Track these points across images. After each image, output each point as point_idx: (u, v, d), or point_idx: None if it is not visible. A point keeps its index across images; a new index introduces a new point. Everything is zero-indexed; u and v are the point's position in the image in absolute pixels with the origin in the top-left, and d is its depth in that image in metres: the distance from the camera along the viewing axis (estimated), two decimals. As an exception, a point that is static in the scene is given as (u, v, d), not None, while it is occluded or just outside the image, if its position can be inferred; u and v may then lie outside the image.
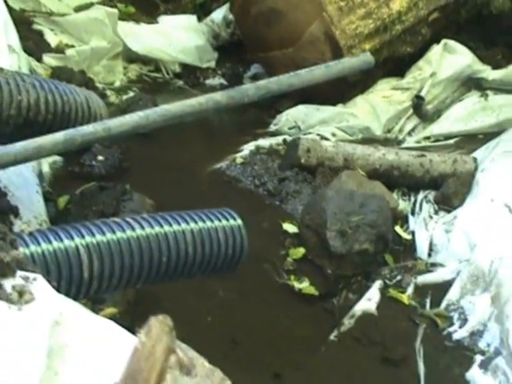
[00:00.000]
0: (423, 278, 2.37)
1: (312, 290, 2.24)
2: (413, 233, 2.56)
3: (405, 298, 2.28)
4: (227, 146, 2.85)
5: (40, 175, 2.34)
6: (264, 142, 2.88)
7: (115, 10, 3.16)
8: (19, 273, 1.14)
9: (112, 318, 1.42)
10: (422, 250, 2.50)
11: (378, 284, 2.31)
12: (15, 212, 1.95)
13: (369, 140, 2.96)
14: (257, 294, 2.23)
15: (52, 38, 3.02)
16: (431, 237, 2.53)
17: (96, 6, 3.16)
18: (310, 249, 2.34)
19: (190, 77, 3.28)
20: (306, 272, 2.30)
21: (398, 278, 2.36)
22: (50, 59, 2.94)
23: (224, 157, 2.79)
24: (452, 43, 3.17)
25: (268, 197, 2.63)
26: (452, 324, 2.21)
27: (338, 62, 2.12)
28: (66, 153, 1.99)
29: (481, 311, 2.21)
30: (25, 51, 2.71)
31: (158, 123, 1.80)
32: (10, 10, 2.74)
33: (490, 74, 3.17)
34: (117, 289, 1.54)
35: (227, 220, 1.65)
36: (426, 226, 2.58)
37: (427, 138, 3.06)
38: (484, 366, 2.06)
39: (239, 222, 1.68)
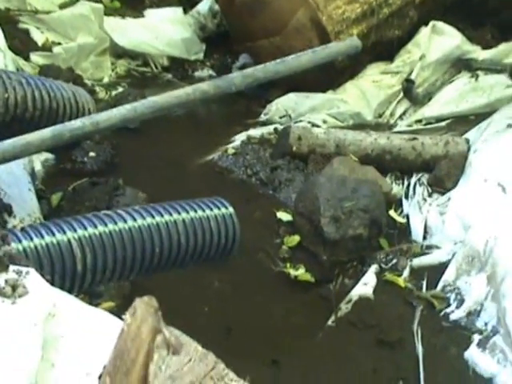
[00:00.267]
0: (419, 261, 2.38)
1: (308, 277, 2.24)
2: (407, 216, 2.56)
3: (401, 281, 2.29)
4: (218, 138, 2.85)
5: (32, 173, 2.33)
6: (255, 132, 2.88)
7: (100, 6, 3.14)
8: (12, 267, 1.15)
9: (109, 311, 1.42)
10: (416, 232, 2.50)
11: (373, 268, 2.32)
12: (9, 210, 1.95)
13: (360, 125, 2.96)
14: (253, 282, 2.23)
15: (38, 36, 3.00)
16: (426, 219, 2.54)
17: (81, 1, 3.14)
18: (305, 236, 2.35)
19: (179, 70, 3.27)
20: (301, 259, 2.31)
21: (394, 261, 2.36)
22: (37, 58, 2.93)
23: (215, 148, 2.79)
24: (440, 25, 3.16)
25: (261, 186, 2.63)
26: (449, 305, 2.22)
27: (325, 47, 2.11)
28: (55, 149, 1.99)
29: (477, 291, 2.22)
30: (11, 50, 2.69)
31: (146, 115, 1.80)
32: (-5, 9, 2.73)
33: (479, 54, 3.16)
34: (111, 281, 1.54)
35: (218, 208, 1.66)
36: (420, 209, 2.59)
37: (419, 121, 3.06)
38: (482, 345, 2.07)
39: (231, 210, 1.68)
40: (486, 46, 3.21)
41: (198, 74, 3.28)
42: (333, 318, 2.13)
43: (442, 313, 2.20)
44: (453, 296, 2.24)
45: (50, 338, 1.07)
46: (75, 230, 1.42)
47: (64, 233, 1.41)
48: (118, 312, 1.71)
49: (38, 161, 2.46)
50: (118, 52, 3.19)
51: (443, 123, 3.05)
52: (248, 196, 2.56)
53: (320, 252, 2.30)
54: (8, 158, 1.65)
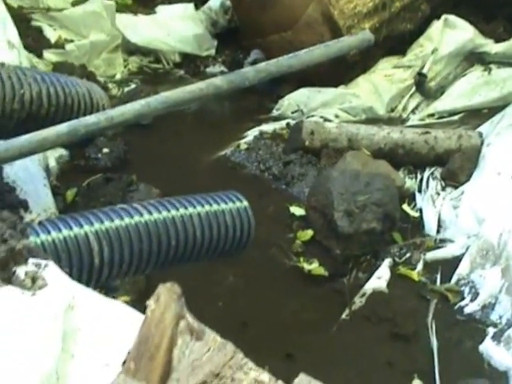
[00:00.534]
0: (432, 254, 2.37)
1: (321, 271, 2.24)
2: (420, 210, 2.56)
3: (415, 274, 2.28)
4: (230, 133, 2.86)
5: (47, 170, 2.36)
6: (267, 127, 2.88)
7: (112, 2, 3.16)
8: (31, 260, 1.16)
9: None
10: (430, 226, 2.50)
11: (387, 262, 2.31)
12: (25, 206, 1.97)
13: (372, 120, 2.95)
14: (266, 277, 2.24)
15: (51, 34, 3.03)
16: (439, 213, 2.53)
17: (93, -2, 3.16)
18: (318, 230, 2.35)
19: (191, 66, 3.28)
20: (314, 254, 2.31)
21: (408, 255, 2.36)
22: (50, 55, 2.96)
23: (228, 144, 2.79)
24: (452, 18, 3.14)
25: (274, 181, 2.64)
26: (463, 298, 2.21)
27: (338, 41, 2.11)
28: (70, 145, 2.01)
29: (491, 284, 2.21)
30: (25, 48, 2.72)
31: (160, 110, 1.81)
32: (8, 7, 2.75)
33: (492, 47, 3.14)
34: (127, 275, 1.55)
35: (233, 202, 1.66)
36: (433, 203, 2.58)
37: (431, 115, 3.05)
38: (497, 338, 2.06)
39: (245, 203, 1.69)
40: (499, 39, 3.19)
41: (209, 70, 3.29)
42: (347, 311, 2.13)
43: (457, 306, 2.19)
44: (467, 289, 2.23)
45: (70, 330, 1.08)
46: (92, 224, 1.43)
47: (81, 226, 1.42)
48: (134, 307, 1.73)
49: (53, 157, 2.49)
50: (130, 49, 3.21)
51: (456, 117, 3.03)
52: (261, 191, 2.57)
53: (333, 246, 2.30)
54: (24, 154, 1.67)
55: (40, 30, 3.04)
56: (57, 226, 1.42)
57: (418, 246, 2.39)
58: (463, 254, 2.34)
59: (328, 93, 2.99)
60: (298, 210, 2.45)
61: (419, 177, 2.70)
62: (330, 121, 2.88)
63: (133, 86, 3.06)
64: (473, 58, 3.17)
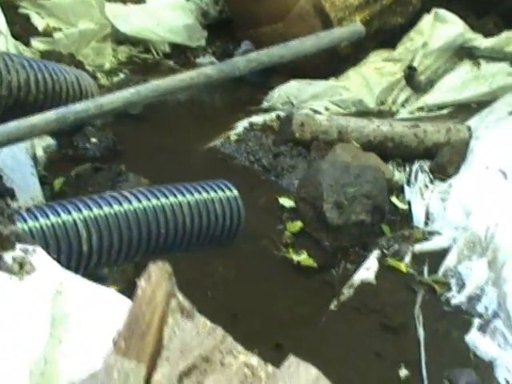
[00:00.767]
0: (420, 246, 2.38)
1: (310, 262, 2.25)
2: (409, 202, 2.57)
3: (403, 266, 2.30)
4: (220, 125, 2.85)
5: (34, 159, 2.33)
6: (257, 119, 2.88)
7: (102, -9, 3.12)
8: (19, 245, 1.15)
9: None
10: (418, 218, 2.51)
11: (375, 254, 2.32)
12: (11, 194, 1.94)
13: (362, 113, 2.96)
14: (256, 268, 2.24)
15: (39, 22, 2.98)
16: (427, 206, 2.55)
17: (82, -13, 3.12)
18: (307, 222, 2.35)
19: (181, 56, 3.26)
20: (304, 245, 2.31)
21: (396, 247, 2.37)
22: (37, 43, 2.92)
23: (218, 135, 2.78)
24: (443, 12, 3.15)
25: (263, 172, 2.64)
26: (450, 290, 2.23)
27: (329, 32, 2.11)
28: (58, 132, 1.98)
29: (478, 276, 2.23)
30: (12, 35, 2.68)
31: (150, 98, 1.79)
32: (-5, -6, 2.71)
33: (481, 42, 3.16)
34: (116, 262, 1.54)
35: (223, 191, 1.66)
36: (421, 196, 2.59)
37: (421, 108, 3.06)
38: (483, 329, 2.09)
39: (235, 192, 1.68)
40: (489, 35, 3.21)
41: (199, 60, 3.27)
42: (335, 302, 2.14)
43: (444, 297, 2.21)
44: (454, 281, 2.25)
45: (58, 315, 1.07)
46: (81, 211, 1.42)
47: (69, 213, 1.41)
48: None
49: (40, 147, 2.46)
50: (119, 38, 3.17)
51: (445, 111, 3.05)
52: (251, 182, 2.56)
53: (323, 237, 2.30)
54: (12, 140, 1.65)
55: (27, 18, 3.00)
56: (45, 213, 1.41)
57: (407, 238, 2.41)
58: (451, 246, 2.36)
59: (318, 85, 2.99)
60: (287, 202, 2.45)
61: (408, 170, 2.72)
62: (320, 113, 2.88)
63: (122, 75, 3.03)
64: (462, 53, 3.19)
